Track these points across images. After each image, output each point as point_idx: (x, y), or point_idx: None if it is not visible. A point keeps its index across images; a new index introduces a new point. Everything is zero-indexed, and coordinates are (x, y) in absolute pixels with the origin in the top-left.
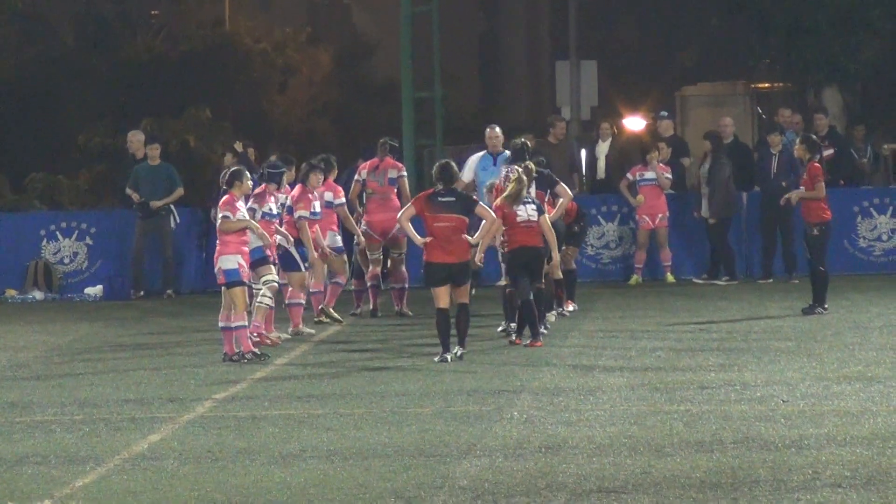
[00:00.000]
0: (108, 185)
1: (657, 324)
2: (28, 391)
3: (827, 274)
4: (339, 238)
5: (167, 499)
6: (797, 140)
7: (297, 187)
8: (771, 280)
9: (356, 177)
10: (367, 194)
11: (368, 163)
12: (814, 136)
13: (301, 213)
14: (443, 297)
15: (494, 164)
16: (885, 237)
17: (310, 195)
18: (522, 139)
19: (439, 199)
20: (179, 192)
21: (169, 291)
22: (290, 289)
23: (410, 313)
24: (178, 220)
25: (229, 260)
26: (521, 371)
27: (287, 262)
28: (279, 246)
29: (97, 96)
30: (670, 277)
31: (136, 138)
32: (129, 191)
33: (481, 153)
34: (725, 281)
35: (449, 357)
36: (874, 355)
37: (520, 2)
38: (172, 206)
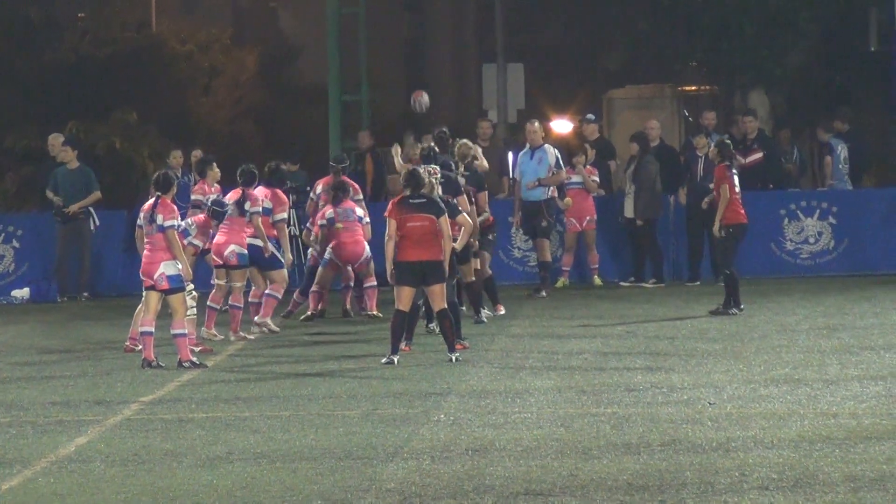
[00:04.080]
0: (34, 188)
1: (584, 326)
2: None
3: (735, 275)
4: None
5: (94, 501)
6: (713, 143)
7: (267, 189)
8: (698, 283)
9: (311, 194)
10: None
11: (324, 180)
12: (728, 141)
13: (281, 215)
14: (405, 298)
15: (531, 158)
16: (812, 240)
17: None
18: (431, 144)
19: (410, 201)
20: (96, 195)
21: (84, 294)
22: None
23: (381, 315)
24: (98, 223)
25: (173, 265)
26: (448, 374)
27: (271, 261)
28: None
29: (23, 99)
30: (598, 280)
31: (56, 141)
32: (49, 194)
33: (525, 149)
34: (653, 283)
35: (395, 360)
36: (801, 358)
37: (446, 5)
38: (91, 209)
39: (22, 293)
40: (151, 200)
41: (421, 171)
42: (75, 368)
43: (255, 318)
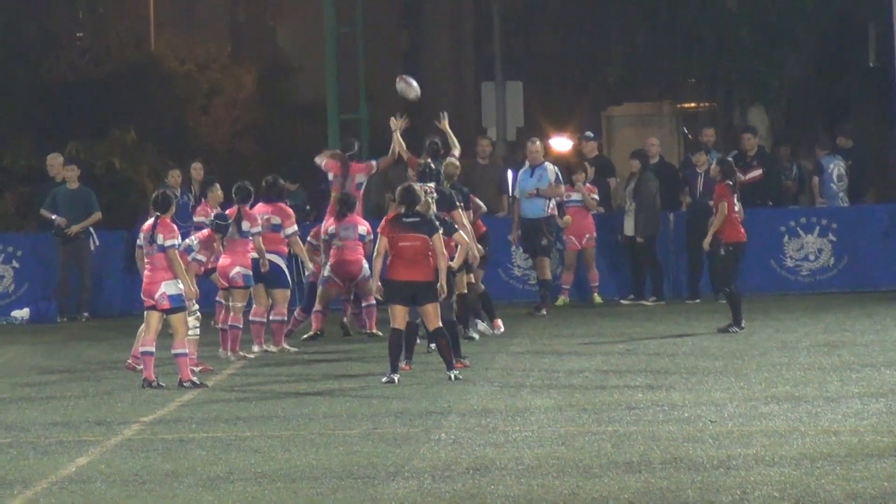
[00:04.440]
0: (33, 208)
1: (584, 344)
2: None
3: (736, 293)
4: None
5: None
6: (714, 161)
7: (268, 205)
8: (698, 300)
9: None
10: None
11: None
12: (730, 159)
13: (291, 228)
14: (400, 317)
15: (531, 176)
16: (812, 257)
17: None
18: (427, 161)
19: (404, 219)
20: (97, 216)
21: (85, 314)
22: (272, 307)
23: (381, 333)
24: (98, 243)
25: (174, 285)
26: (449, 392)
27: (275, 278)
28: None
29: (21, 117)
30: (598, 298)
31: (55, 161)
32: (43, 212)
33: (524, 167)
34: (653, 301)
35: (396, 378)
36: (801, 375)
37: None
38: (91, 229)
39: (22, 313)
40: (151, 220)
41: (417, 188)
42: (76, 389)
43: (270, 346)
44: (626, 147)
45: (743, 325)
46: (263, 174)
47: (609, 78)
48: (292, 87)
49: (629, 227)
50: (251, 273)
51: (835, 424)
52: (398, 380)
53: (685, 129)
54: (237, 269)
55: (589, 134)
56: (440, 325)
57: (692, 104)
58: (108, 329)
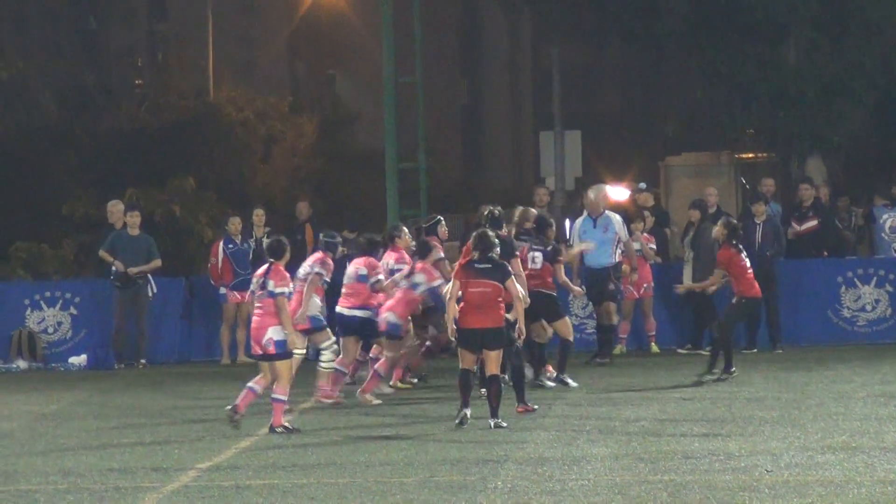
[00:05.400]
0: (92, 256)
1: (641, 393)
2: (12, 461)
3: (730, 342)
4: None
5: None
6: (719, 221)
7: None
8: (755, 350)
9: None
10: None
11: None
12: (734, 221)
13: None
14: (468, 360)
15: (594, 227)
16: (868, 307)
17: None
18: (490, 208)
19: (476, 265)
20: (157, 263)
21: (142, 361)
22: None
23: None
24: (156, 290)
25: (279, 331)
26: (505, 441)
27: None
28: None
29: (81, 166)
30: (655, 347)
31: (115, 208)
32: (103, 253)
33: (582, 216)
34: (709, 351)
35: (468, 412)
36: (858, 425)
37: (503, 72)
38: (150, 276)
39: (79, 360)
40: (264, 267)
41: (491, 234)
42: (132, 435)
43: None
44: (684, 197)
45: (733, 369)
46: (323, 222)
47: (669, 133)
48: (351, 137)
49: (688, 277)
50: (399, 323)
51: (891, 475)
52: (469, 414)
53: (743, 179)
54: (385, 315)
55: (642, 185)
56: (497, 372)
57: (750, 154)
58: (165, 376)
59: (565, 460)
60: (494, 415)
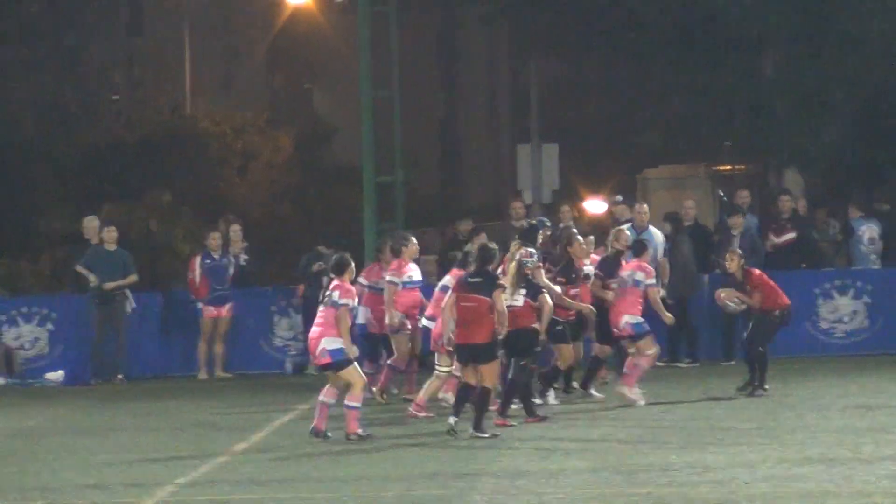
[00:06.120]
0: (69, 271)
1: (618, 406)
2: None
3: (766, 355)
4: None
5: None
6: (727, 255)
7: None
8: (733, 362)
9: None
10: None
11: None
12: (738, 251)
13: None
14: (468, 375)
15: None
16: (846, 319)
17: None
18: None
19: (468, 279)
20: (133, 278)
21: (119, 376)
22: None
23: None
24: (135, 305)
25: (334, 341)
26: (482, 454)
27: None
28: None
29: (58, 181)
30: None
31: (91, 224)
32: (79, 268)
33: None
34: (687, 363)
35: (453, 421)
36: (835, 437)
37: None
38: (128, 291)
39: (56, 376)
40: (335, 282)
41: (494, 247)
42: (110, 451)
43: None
44: (662, 209)
45: (767, 386)
46: (301, 237)
47: (647, 145)
48: (328, 151)
49: (663, 290)
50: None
51: (869, 486)
52: (455, 422)
53: (720, 191)
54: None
55: (618, 198)
56: (491, 385)
57: (728, 166)
58: (143, 391)
59: (542, 474)
60: (477, 426)
